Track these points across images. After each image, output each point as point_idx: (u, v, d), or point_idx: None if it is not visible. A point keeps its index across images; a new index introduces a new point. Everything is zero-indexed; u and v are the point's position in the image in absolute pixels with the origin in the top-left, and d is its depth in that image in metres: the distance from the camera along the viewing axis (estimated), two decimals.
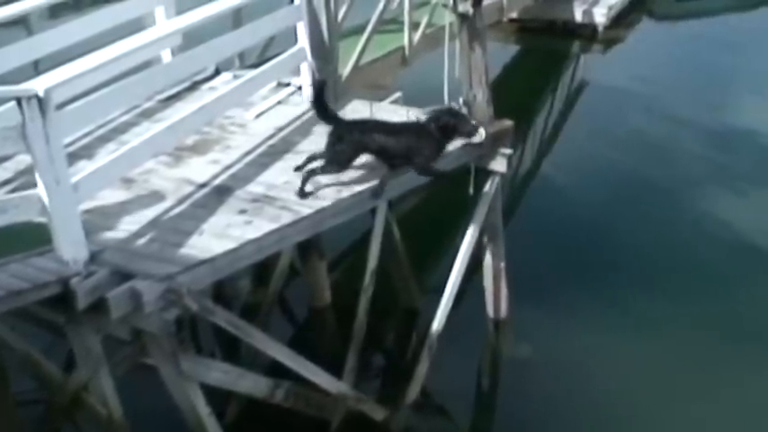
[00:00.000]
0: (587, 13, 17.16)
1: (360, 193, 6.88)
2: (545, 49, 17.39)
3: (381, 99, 8.57)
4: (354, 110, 8.18)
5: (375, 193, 6.96)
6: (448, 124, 7.09)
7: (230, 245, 6.07)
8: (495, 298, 8.81)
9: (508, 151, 7.92)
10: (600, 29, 17.25)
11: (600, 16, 17.18)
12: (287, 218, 6.41)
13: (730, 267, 9.62)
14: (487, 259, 8.58)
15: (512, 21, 16.93)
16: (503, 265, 8.62)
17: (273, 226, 6.31)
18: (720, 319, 8.78)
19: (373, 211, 7.53)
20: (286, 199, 6.65)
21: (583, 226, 10.58)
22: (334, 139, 6.82)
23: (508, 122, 8.00)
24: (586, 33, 17.32)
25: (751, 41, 16.90)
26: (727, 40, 17.10)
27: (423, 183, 7.49)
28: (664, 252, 9.94)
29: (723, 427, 7.63)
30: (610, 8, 17.28)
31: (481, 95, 7.90)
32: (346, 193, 6.80)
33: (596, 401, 7.93)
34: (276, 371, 6.97)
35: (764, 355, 8.33)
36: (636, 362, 8.32)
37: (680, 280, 9.40)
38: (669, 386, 8.02)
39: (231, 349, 7.97)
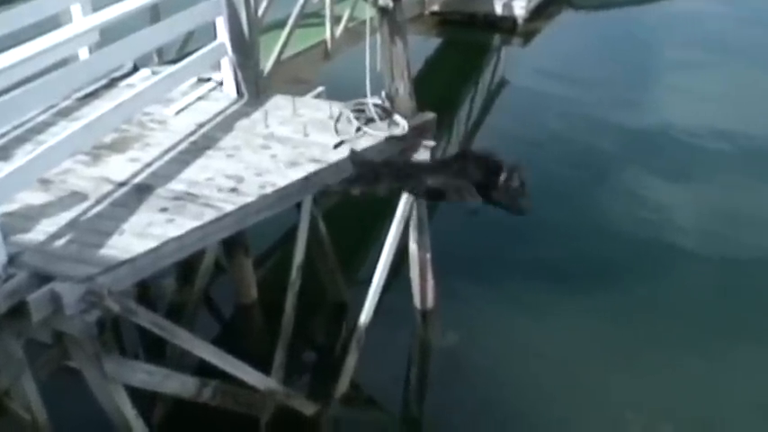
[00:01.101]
0: (507, 5, 17.36)
1: (284, 188, 6.87)
2: (466, 42, 17.53)
3: (304, 93, 8.55)
4: (277, 105, 8.15)
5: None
6: (509, 186, 7.41)
7: (152, 244, 6.00)
8: (422, 289, 8.88)
9: (431, 143, 7.98)
10: (519, 21, 17.47)
11: (519, 9, 17.39)
12: (210, 215, 6.37)
13: (647, 257, 9.87)
14: (413, 250, 8.63)
15: (433, 14, 17.06)
16: (429, 256, 8.69)
17: (196, 224, 6.26)
18: (634, 305, 9.00)
19: (298, 206, 7.53)
20: (208, 196, 6.60)
21: (504, 217, 10.69)
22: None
23: (431, 115, 8.07)
24: (506, 26, 17.52)
25: (666, 31, 17.33)
26: (644, 30, 17.49)
27: (347, 176, 7.53)
28: (582, 242, 10.15)
29: (644, 405, 7.85)
30: (529, 0, 17.50)
31: (403, 88, 7.94)
32: (270, 188, 6.78)
33: (522, 386, 8.07)
34: (204, 370, 6.93)
35: (676, 337, 8.59)
36: (559, 346, 8.49)
37: (599, 269, 9.61)
38: (591, 369, 8.22)
39: (157, 350, 7.87)
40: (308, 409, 7.59)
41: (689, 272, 9.65)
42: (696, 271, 9.67)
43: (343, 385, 7.86)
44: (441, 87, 14.93)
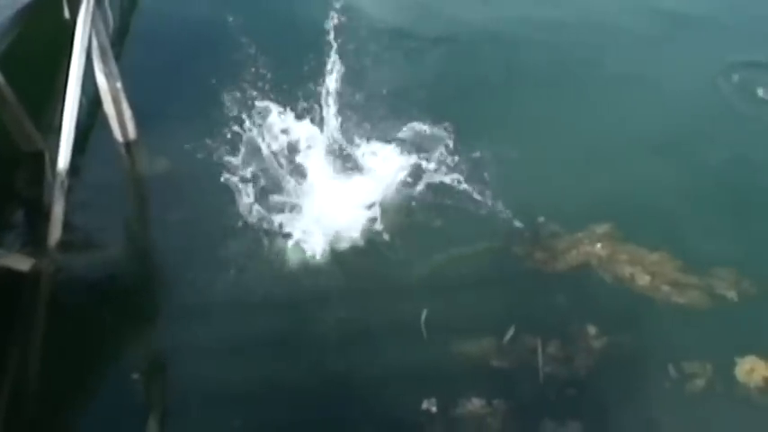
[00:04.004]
0: None
1: None
2: None
3: None
4: None
5: None
6: None
7: None
8: (120, 121, 8.57)
9: None
10: None
11: None
12: None
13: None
14: (102, 83, 8.26)
15: None
16: (119, 85, 8.36)
17: None
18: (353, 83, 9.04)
19: None
20: None
21: (198, 35, 10.41)
22: None
23: None
24: None
25: None
26: None
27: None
28: (276, 37, 10.01)
29: None
30: None
31: None
32: None
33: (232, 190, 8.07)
34: None
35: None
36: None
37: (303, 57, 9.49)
38: None
39: None
40: (24, 264, 7.28)
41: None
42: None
43: (55, 233, 7.56)
44: None
